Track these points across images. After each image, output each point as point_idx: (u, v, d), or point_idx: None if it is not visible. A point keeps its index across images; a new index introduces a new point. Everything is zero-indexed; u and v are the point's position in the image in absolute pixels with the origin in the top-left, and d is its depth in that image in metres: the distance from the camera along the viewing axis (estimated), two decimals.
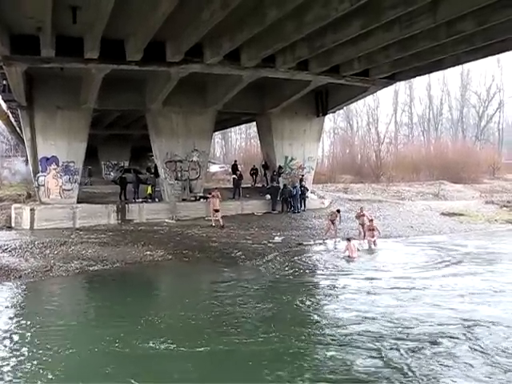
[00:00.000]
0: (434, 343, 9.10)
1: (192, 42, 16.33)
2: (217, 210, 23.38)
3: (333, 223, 21.24)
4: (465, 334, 9.49)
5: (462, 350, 8.76)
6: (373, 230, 19.91)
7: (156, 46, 17.04)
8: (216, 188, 26.38)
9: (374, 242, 19.50)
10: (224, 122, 35.53)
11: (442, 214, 27.83)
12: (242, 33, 15.55)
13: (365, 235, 20.22)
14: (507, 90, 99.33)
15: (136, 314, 11.19)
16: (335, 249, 19.54)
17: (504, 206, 30.87)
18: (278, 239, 20.62)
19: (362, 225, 20.93)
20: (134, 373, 8.04)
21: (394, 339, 9.37)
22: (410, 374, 7.89)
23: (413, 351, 8.75)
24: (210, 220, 23.69)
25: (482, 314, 10.74)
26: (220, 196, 24.03)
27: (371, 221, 20.52)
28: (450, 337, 9.38)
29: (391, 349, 8.90)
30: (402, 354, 8.62)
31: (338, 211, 21.90)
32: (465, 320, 10.32)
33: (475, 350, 8.76)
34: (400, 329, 9.95)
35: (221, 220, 23.09)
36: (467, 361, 8.30)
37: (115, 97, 24.03)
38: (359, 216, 21.51)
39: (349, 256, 17.53)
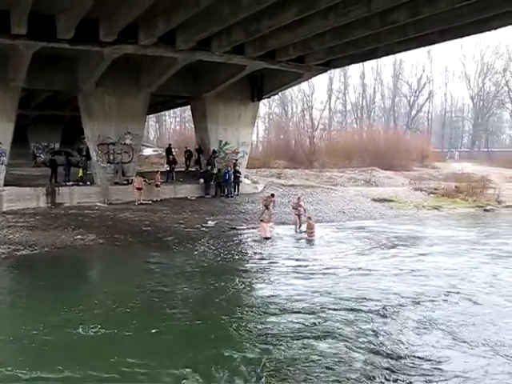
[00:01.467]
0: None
1: (126, 22, 16.00)
2: (139, 189, 24.08)
3: (267, 208, 21.28)
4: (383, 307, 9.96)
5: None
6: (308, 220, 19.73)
7: (89, 24, 16.56)
8: (157, 171, 27.00)
9: (312, 233, 19.24)
10: (158, 104, 35.10)
11: (373, 200, 28.51)
12: (178, 15, 15.35)
13: (300, 225, 20.15)
14: (436, 81, 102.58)
15: (66, 300, 11.01)
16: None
17: (431, 192, 31.95)
18: (211, 223, 20.61)
19: (299, 215, 20.36)
20: (60, 359, 7.95)
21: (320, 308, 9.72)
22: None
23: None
24: (141, 204, 23.77)
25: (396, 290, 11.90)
26: (157, 179, 25.34)
27: (304, 210, 20.50)
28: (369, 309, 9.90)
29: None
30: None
31: (272, 195, 22.05)
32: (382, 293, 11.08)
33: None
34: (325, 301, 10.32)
35: (141, 198, 24.02)
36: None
37: (46, 76, 23.18)
38: (296, 207, 20.80)
39: (265, 238, 18.16)
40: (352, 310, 10.53)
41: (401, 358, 8.15)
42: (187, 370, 7.69)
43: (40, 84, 24.06)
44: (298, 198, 21.56)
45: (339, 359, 8.10)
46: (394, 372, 7.64)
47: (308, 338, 8.97)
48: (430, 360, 8.09)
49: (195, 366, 7.82)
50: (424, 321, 9.85)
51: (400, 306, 10.89)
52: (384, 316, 10.12)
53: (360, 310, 10.51)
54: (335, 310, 10.58)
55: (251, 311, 10.60)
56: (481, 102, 78.85)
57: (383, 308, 10.56)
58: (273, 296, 11.61)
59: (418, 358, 8.15)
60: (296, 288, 12.21)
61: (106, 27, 16.86)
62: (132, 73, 24.37)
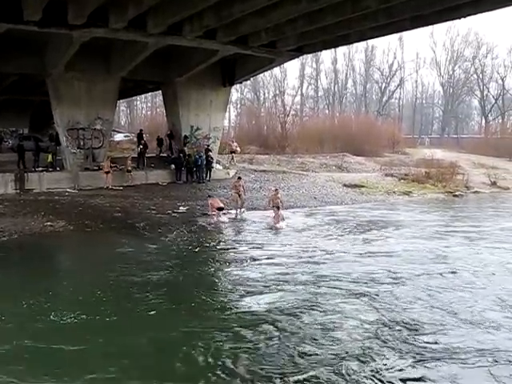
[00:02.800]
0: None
1: (95, 5, 15.80)
2: (107, 173, 24.34)
3: (239, 195, 20.90)
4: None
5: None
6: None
7: (57, 6, 16.29)
8: (128, 156, 27.04)
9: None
10: (129, 90, 34.66)
11: (345, 185, 28.74)
12: None
13: (278, 218, 19.08)
14: (407, 68, 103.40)
15: (34, 288, 10.86)
16: (240, 219, 19.76)
17: (402, 178, 32.35)
18: (182, 209, 20.53)
19: (278, 207, 19.22)
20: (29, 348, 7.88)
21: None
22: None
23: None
24: (113, 189, 23.74)
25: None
26: (128, 164, 25.51)
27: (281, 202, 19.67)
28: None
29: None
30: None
31: (239, 178, 21.78)
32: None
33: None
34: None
35: (109, 182, 24.33)
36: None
37: (13, 59, 22.71)
38: (274, 199, 19.63)
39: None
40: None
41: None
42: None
43: (7, 68, 23.61)
44: (276, 190, 20.37)
45: None
46: None
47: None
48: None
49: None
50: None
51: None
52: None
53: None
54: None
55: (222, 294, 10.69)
56: (451, 89, 79.66)
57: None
58: (242, 278, 11.72)
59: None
60: (263, 272, 12.31)
61: (75, 10, 16.59)
62: (102, 57, 24.01)
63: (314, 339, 8.23)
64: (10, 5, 16.07)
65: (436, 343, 8.09)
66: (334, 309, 9.69)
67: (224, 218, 19.53)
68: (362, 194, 26.98)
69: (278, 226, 18.39)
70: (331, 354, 7.69)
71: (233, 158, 32.29)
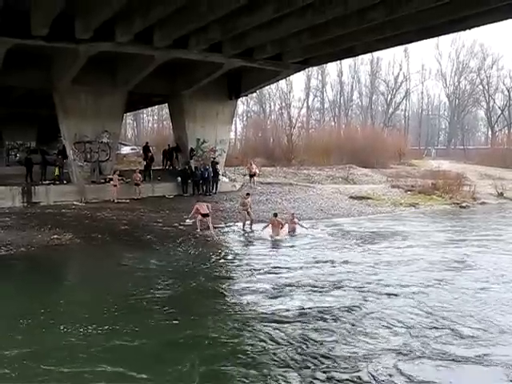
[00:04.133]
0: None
1: (102, 19, 15.86)
2: (114, 185, 24.34)
3: (248, 213, 20.40)
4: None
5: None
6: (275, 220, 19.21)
7: (64, 21, 16.37)
8: (137, 170, 27.07)
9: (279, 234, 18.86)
10: (135, 102, 34.85)
11: (351, 197, 28.64)
12: (155, 12, 15.26)
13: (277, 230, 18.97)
14: (413, 80, 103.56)
15: (41, 300, 10.85)
16: (248, 232, 19.73)
17: (408, 190, 32.20)
18: (188, 222, 20.46)
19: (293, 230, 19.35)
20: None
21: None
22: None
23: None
24: (119, 202, 23.75)
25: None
26: (137, 178, 25.58)
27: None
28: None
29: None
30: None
31: (248, 194, 21.82)
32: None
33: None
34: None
35: (115, 195, 24.30)
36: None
37: (21, 73, 22.86)
38: (291, 222, 19.61)
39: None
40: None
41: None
42: None
43: (15, 81, 23.81)
44: (293, 215, 20.33)
45: None
46: None
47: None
48: None
49: None
50: None
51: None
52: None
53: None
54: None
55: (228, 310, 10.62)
56: (456, 101, 79.73)
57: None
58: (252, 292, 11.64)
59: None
60: (274, 282, 12.32)
61: (81, 24, 16.70)
62: (109, 70, 24.15)
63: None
64: (18, 20, 16.20)
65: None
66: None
67: (210, 232, 19.18)
68: (368, 205, 26.87)
69: (277, 237, 18.47)
70: None
71: (254, 182, 30.11)
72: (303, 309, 10.34)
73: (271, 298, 11.16)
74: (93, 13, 15.65)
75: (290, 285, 12.13)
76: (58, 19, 15.69)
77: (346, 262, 14.49)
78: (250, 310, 10.42)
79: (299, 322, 9.62)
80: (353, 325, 9.43)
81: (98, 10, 15.29)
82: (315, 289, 11.82)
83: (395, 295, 11.24)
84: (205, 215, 19.33)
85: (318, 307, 10.44)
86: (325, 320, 9.71)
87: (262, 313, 10.15)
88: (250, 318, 9.91)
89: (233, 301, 11.15)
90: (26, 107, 35.66)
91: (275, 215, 19.13)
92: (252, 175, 30.35)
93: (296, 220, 19.80)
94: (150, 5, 15.05)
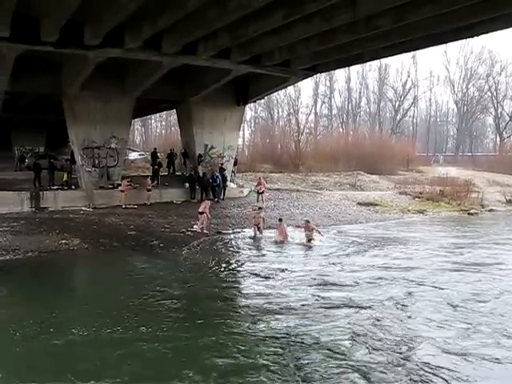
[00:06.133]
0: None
1: (111, 26, 15.93)
2: (122, 191, 24.32)
3: (258, 228, 20.25)
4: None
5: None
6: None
7: (74, 27, 16.45)
8: (147, 176, 27.37)
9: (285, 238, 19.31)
10: (144, 108, 34.99)
11: (359, 203, 28.62)
12: (164, 18, 15.30)
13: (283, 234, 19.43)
14: (421, 86, 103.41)
15: (50, 305, 10.90)
16: (255, 237, 19.74)
17: (416, 196, 32.19)
18: (196, 228, 20.52)
19: (310, 239, 19.07)
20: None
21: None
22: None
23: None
24: (127, 208, 23.78)
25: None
26: (148, 183, 25.57)
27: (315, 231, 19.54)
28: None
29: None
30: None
31: (260, 208, 21.82)
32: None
33: None
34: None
35: (122, 201, 24.22)
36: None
37: (29, 79, 23.03)
38: (306, 228, 19.41)
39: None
40: None
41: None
42: None
43: (24, 87, 23.96)
44: (307, 222, 19.83)
45: None
46: None
47: None
48: None
49: None
50: None
51: None
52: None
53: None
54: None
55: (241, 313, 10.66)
56: (465, 107, 79.42)
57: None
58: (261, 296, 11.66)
59: None
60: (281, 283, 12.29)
61: (91, 30, 16.77)
62: (117, 76, 24.27)
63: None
64: (27, 26, 16.29)
65: None
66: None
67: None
68: (376, 212, 26.85)
69: (283, 240, 18.98)
70: None
71: (262, 201, 26.97)
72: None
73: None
74: (102, 19, 15.71)
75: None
76: (68, 25, 15.78)
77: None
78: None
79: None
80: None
81: (107, 17, 15.36)
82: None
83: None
84: (201, 213, 19.97)
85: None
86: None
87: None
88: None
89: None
90: (35, 113, 35.89)
91: (280, 220, 19.76)
92: (261, 193, 27.50)
93: (312, 225, 19.51)
94: (159, 12, 15.09)
